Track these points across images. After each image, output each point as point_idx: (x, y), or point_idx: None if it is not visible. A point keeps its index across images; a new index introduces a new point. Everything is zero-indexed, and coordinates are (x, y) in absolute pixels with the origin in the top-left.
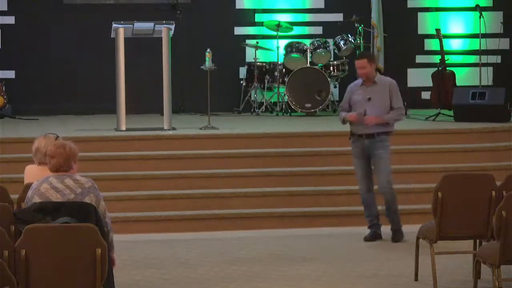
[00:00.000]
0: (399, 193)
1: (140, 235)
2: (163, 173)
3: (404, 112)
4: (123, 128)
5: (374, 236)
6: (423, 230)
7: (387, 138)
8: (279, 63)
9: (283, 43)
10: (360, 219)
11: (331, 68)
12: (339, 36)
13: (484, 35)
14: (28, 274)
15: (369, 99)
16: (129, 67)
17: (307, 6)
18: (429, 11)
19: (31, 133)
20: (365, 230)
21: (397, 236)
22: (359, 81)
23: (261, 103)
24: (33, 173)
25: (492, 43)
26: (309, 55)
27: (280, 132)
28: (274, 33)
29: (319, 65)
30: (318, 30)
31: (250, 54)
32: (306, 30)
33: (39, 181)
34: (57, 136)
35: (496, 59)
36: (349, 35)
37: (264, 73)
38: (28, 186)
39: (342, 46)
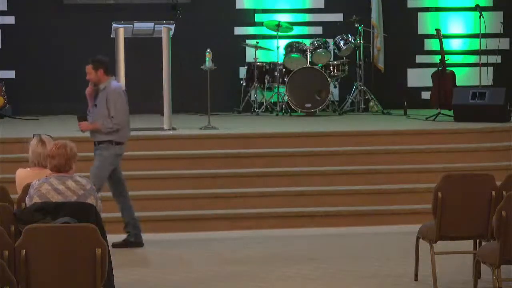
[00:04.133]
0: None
1: None
2: (163, 173)
3: (118, 122)
4: None
5: (124, 243)
6: (423, 230)
7: (105, 147)
8: (279, 63)
9: (283, 43)
10: (360, 219)
11: (331, 68)
12: (339, 36)
13: (484, 35)
14: (28, 274)
15: (95, 105)
16: (129, 67)
17: (307, 6)
18: (429, 11)
19: (31, 133)
20: (366, 230)
21: None
22: None
23: (261, 103)
24: (27, 179)
25: (492, 43)
26: (309, 55)
27: (280, 132)
28: (274, 33)
29: (319, 65)
30: (318, 30)
31: (250, 54)
32: (306, 30)
33: (40, 180)
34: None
35: (496, 59)
36: (349, 35)
37: (264, 73)
38: (28, 186)
39: (342, 46)
